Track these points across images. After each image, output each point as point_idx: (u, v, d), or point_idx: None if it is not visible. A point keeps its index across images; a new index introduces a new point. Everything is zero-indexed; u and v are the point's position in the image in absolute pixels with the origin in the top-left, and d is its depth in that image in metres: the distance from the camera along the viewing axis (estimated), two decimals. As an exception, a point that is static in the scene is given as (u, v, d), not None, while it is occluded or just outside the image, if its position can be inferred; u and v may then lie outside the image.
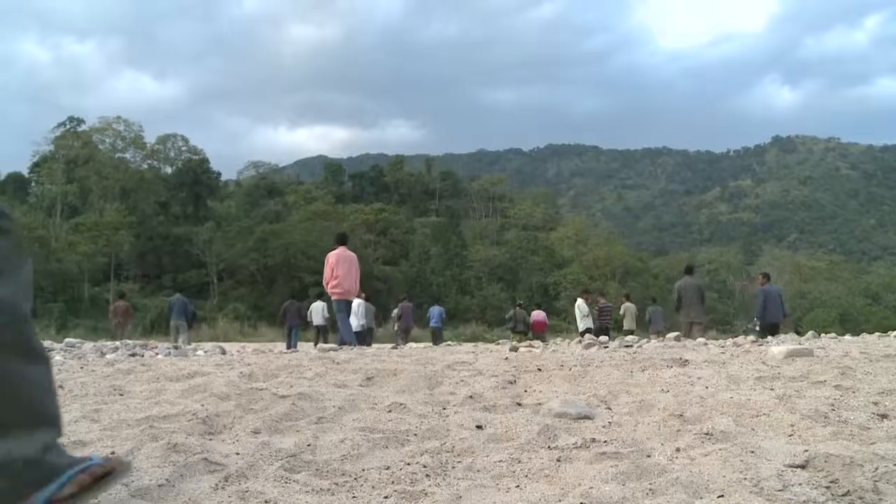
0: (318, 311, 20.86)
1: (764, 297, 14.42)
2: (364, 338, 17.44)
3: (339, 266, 11.72)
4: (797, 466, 2.04)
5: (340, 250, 12.15)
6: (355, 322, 16.99)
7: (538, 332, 22.64)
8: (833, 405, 2.92)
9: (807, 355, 4.96)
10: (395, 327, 23.24)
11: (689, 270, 16.14)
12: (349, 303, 12.30)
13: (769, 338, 9.09)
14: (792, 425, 2.59)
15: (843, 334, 13.38)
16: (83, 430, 2.69)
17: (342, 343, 10.45)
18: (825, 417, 2.71)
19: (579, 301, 20.04)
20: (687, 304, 14.47)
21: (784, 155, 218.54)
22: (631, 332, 18.30)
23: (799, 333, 13.42)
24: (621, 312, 21.15)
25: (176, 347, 10.71)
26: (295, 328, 19.21)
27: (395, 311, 23.17)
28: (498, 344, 11.48)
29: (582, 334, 16.12)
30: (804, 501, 1.79)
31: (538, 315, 24.46)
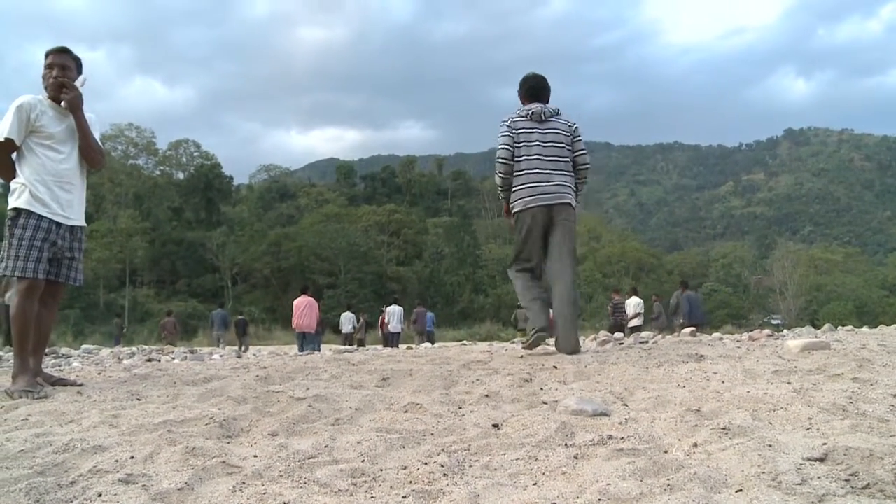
0: (346, 321, 23.70)
1: (689, 302, 17.16)
2: (398, 338, 21.98)
3: (298, 310, 16.96)
4: (816, 460, 2.03)
5: (302, 298, 17.36)
6: (396, 325, 22.54)
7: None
8: (851, 398, 2.90)
9: (823, 348, 4.92)
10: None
11: (686, 285, 18.74)
12: (304, 334, 16.96)
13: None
14: (810, 419, 2.58)
15: (860, 327, 13.32)
16: (102, 436, 2.70)
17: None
18: (843, 410, 2.69)
19: (634, 299, 19.85)
20: (684, 313, 17.21)
21: (797, 147, 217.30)
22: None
23: (815, 327, 13.42)
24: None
25: (190, 352, 10.76)
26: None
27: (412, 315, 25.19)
28: (513, 342, 11.47)
29: (632, 330, 16.94)
30: (823, 495, 1.78)
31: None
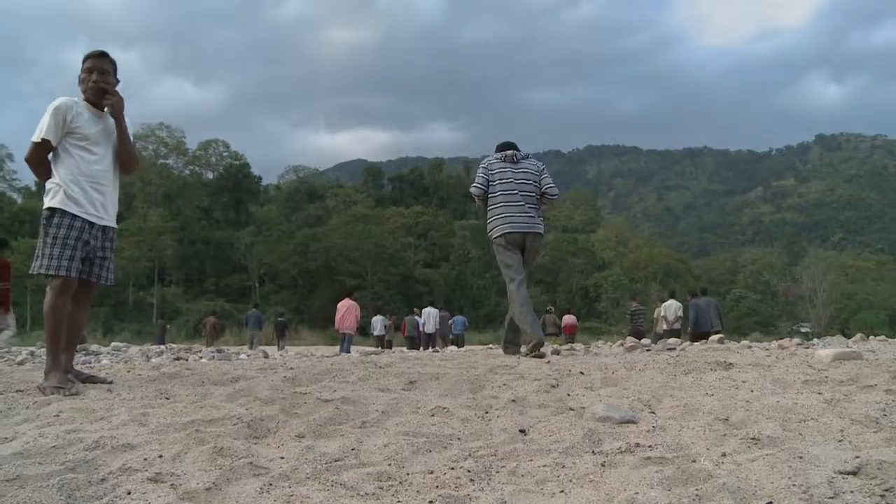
0: (378, 324, 24.36)
1: (695, 310, 17.25)
2: (434, 340, 23.30)
3: (340, 311, 18.42)
4: (848, 473, 1.99)
5: (345, 300, 18.88)
6: (432, 326, 23.83)
7: (569, 335, 23.46)
8: (885, 410, 2.85)
9: (855, 358, 4.86)
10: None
11: (705, 291, 19.07)
12: (344, 335, 18.29)
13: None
14: (841, 430, 2.54)
15: (893, 336, 13.12)
16: (131, 434, 2.73)
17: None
18: (877, 423, 2.64)
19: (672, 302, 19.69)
20: (690, 320, 17.51)
21: (828, 153, 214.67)
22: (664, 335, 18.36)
23: (846, 336, 13.25)
24: (662, 314, 21.07)
25: (218, 351, 10.83)
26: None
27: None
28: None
29: (670, 334, 16.96)
30: (856, 509, 1.75)
31: (569, 318, 25.52)
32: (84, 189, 4.26)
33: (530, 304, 6.43)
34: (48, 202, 4.22)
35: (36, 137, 4.21)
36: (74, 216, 4.20)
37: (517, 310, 6.34)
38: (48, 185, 4.27)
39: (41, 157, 4.28)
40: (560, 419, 2.94)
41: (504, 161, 6.64)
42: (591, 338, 27.70)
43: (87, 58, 4.50)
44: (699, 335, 15.60)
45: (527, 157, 6.77)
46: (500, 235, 6.49)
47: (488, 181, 6.64)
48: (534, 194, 6.61)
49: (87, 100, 4.42)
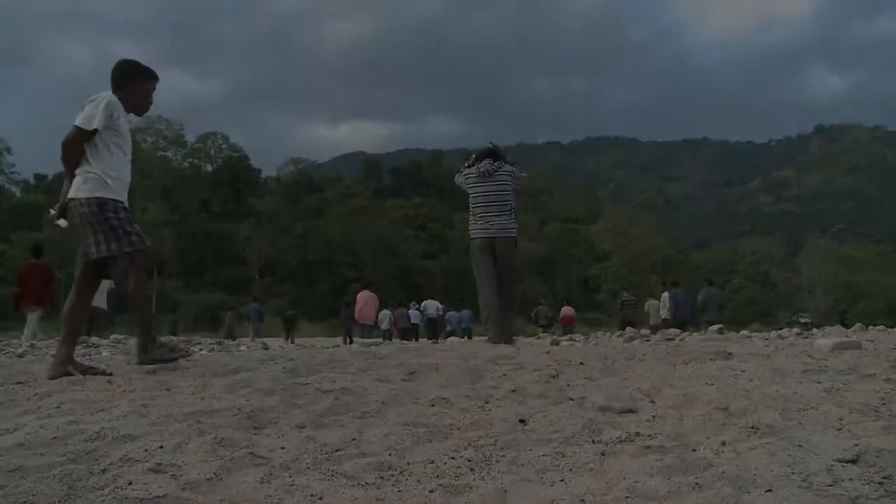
0: (384, 318, 24.59)
1: (675, 300, 17.78)
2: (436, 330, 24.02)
3: (359, 302, 19.54)
4: (847, 461, 2.00)
5: (363, 292, 20.13)
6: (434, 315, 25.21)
7: (567, 327, 23.40)
8: (884, 399, 2.85)
9: (854, 348, 4.86)
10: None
11: (710, 283, 19.63)
12: (363, 326, 19.33)
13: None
14: (841, 419, 2.54)
15: (893, 326, 13.13)
16: (132, 425, 2.73)
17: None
18: (876, 411, 2.65)
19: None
20: (708, 309, 17.59)
21: (828, 144, 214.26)
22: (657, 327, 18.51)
23: (845, 325, 13.28)
24: (647, 307, 21.36)
25: (218, 343, 10.83)
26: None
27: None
28: (539, 338, 11.45)
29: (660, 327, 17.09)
30: (855, 497, 1.76)
31: (567, 310, 25.52)
32: (119, 185, 4.38)
33: (494, 308, 7.15)
34: (92, 191, 4.25)
35: (86, 125, 4.23)
36: (125, 205, 4.36)
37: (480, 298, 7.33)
38: (85, 174, 4.29)
39: (81, 145, 4.30)
40: (560, 409, 2.94)
41: (478, 175, 7.28)
42: (591, 329, 27.71)
43: (154, 77, 4.75)
44: (677, 326, 15.76)
45: (500, 167, 7.30)
46: (472, 240, 7.38)
47: (466, 184, 7.43)
48: (508, 202, 7.29)
49: (135, 111, 4.61)
